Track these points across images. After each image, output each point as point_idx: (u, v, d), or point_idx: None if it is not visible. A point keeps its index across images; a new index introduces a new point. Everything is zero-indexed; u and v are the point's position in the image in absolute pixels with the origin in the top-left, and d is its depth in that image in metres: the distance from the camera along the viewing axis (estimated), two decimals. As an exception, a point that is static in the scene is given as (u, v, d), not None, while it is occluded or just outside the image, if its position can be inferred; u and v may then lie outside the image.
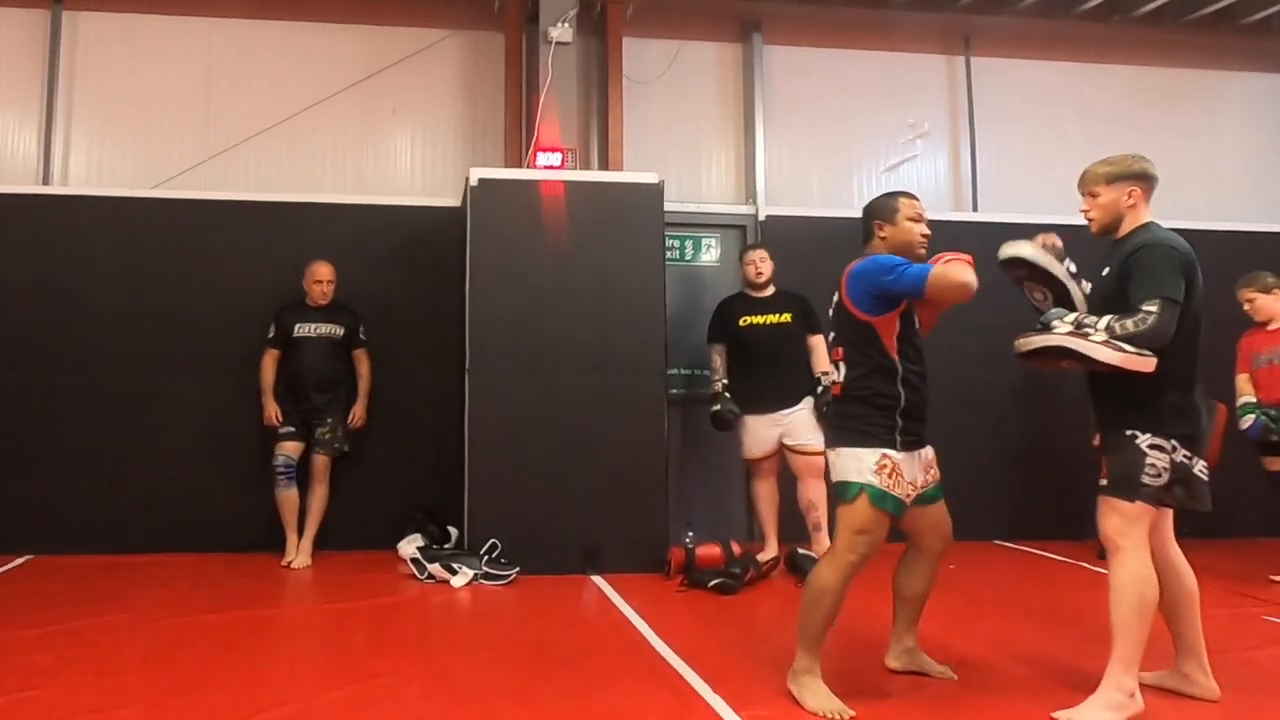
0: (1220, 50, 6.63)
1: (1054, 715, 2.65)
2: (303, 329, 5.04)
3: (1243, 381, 4.99)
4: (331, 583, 4.50)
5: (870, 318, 2.82)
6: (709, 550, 4.55)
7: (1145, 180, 2.87)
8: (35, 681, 2.92)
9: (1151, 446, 2.67)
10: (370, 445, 5.25)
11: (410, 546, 4.77)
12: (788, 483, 5.04)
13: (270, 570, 4.76)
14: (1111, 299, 2.75)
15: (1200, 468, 2.76)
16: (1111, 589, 2.69)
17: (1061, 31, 6.45)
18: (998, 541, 5.41)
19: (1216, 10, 6.34)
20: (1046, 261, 2.88)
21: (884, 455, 2.77)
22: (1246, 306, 4.97)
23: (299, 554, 4.88)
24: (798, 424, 4.85)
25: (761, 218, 5.92)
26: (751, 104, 6.14)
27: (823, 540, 5.00)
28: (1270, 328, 4.94)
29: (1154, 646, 2.72)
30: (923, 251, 2.93)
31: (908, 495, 2.81)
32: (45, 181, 5.52)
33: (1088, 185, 2.90)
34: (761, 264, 5.00)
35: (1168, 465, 2.68)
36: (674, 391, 5.36)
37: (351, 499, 5.19)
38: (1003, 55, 6.46)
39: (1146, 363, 2.60)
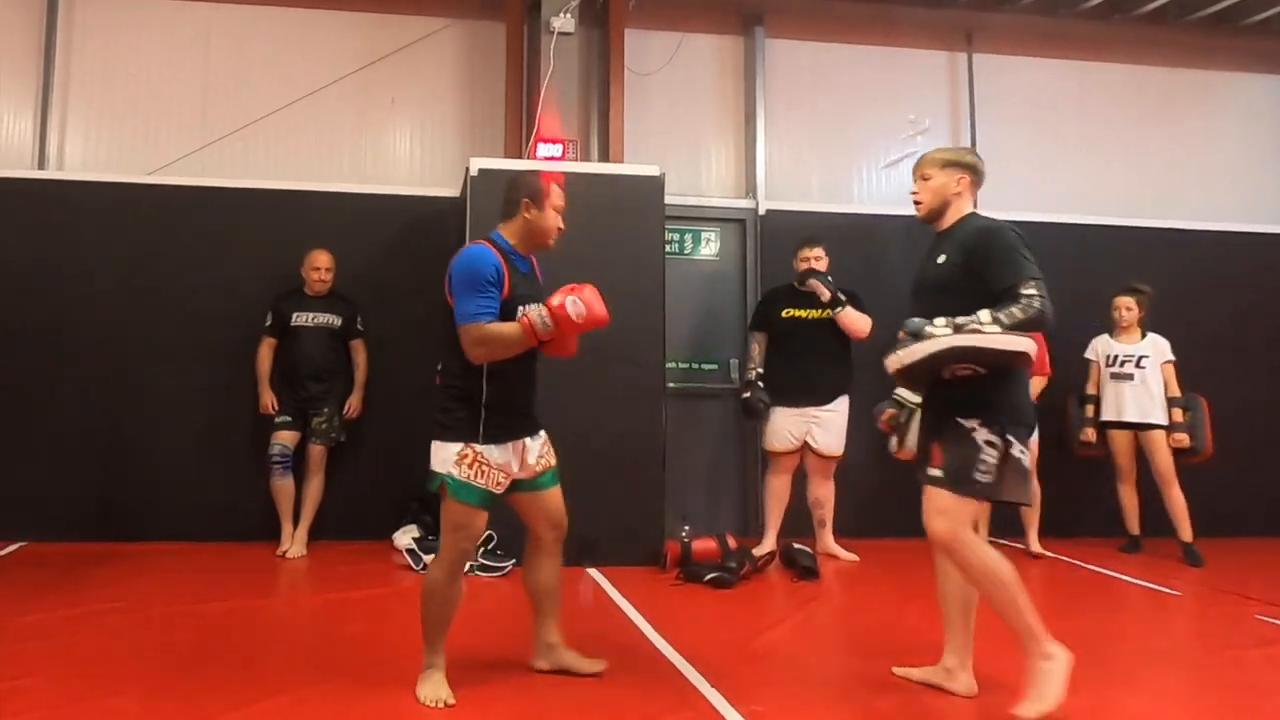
0: (1220, 51, 6.64)
1: (1013, 713, 2.63)
2: (300, 318, 5.02)
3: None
4: (326, 573, 4.50)
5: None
6: (705, 544, 4.55)
7: (975, 173, 2.93)
8: (29, 669, 2.91)
9: (987, 441, 2.67)
10: (366, 435, 5.24)
11: (405, 537, 4.76)
12: (798, 479, 5.06)
13: (265, 560, 4.74)
14: (951, 288, 2.74)
15: (1026, 459, 2.74)
16: (973, 584, 2.73)
17: (1063, 29, 6.45)
18: (993, 539, 5.43)
19: (1217, 11, 6.34)
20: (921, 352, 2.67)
21: (466, 446, 2.71)
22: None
23: (294, 544, 4.87)
24: (826, 426, 4.87)
25: (761, 212, 5.91)
26: (753, 98, 6.13)
27: (826, 537, 5.04)
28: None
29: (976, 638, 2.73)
30: (552, 243, 2.93)
31: (498, 485, 2.77)
32: (41, 166, 5.48)
33: (921, 169, 2.94)
34: (816, 263, 4.98)
35: (999, 459, 2.68)
36: (672, 385, 5.36)
37: (347, 489, 5.18)
38: (1004, 52, 6.45)
39: (1030, 344, 2.62)
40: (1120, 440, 5.33)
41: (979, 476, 2.67)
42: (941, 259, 2.83)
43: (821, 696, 2.80)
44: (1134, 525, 5.35)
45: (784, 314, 4.98)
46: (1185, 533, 5.12)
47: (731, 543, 4.59)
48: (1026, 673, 2.64)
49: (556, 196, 2.90)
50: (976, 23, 6.40)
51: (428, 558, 4.48)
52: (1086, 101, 6.52)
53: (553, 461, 2.99)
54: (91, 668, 2.96)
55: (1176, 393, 5.25)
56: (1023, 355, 2.63)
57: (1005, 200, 6.29)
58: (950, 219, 2.89)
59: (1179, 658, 3.37)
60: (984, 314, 2.63)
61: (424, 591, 2.82)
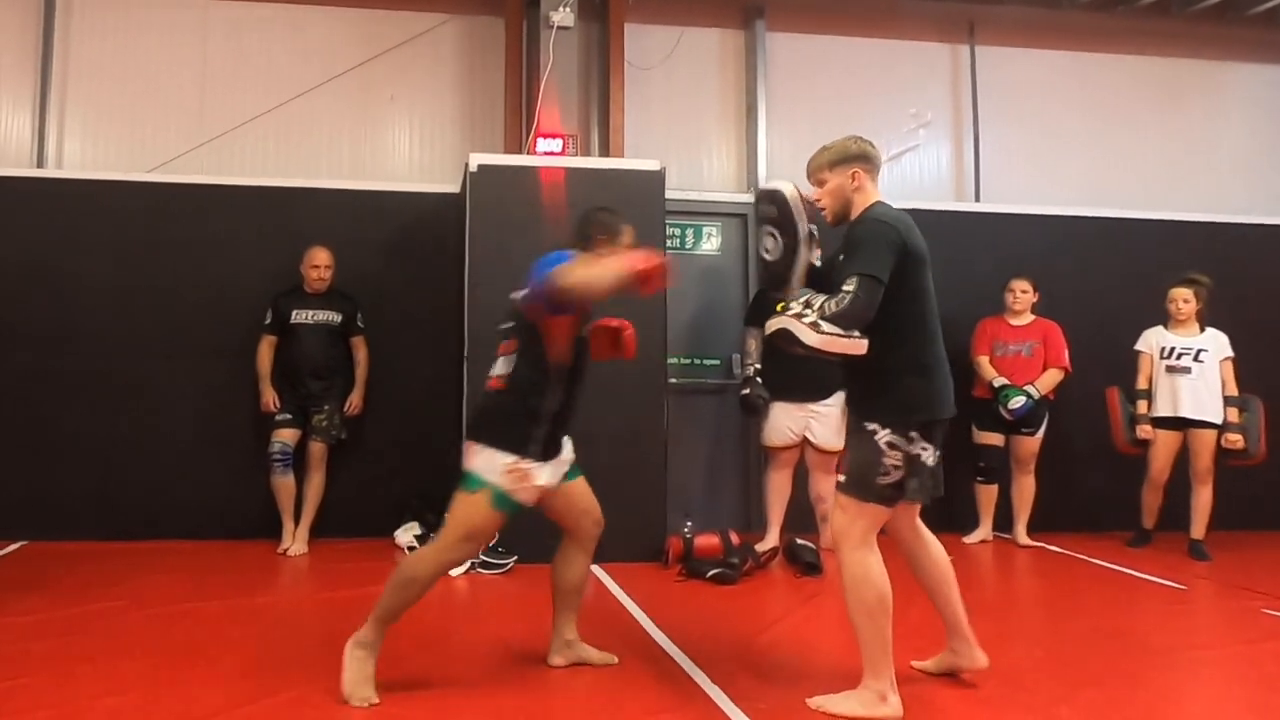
0: (1225, 41, 6.60)
1: (808, 700, 2.65)
2: (300, 315, 5.00)
3: (985, 364, 5.25)
4: (328, 570, 4.49)
5: (545, 319, 2.76)
6: (707, 540, 4.54)
7: (866, 161, 2.79)
8: (29, 668, 2.90)
9: (889, 444, 2.61)
10: (367, 433, 5.22)
11: (407, 534, 4.75)
12: (799, 474, 5.05)
13: (267, 558, 4.74)
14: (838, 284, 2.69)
15: (935, 457, 2.66)
16: (846, 590, 2.67)
17: (1065, 21, 6.41)
18: (1000, 535, 5.40)
19: (1221, 1, 6.30)
20: (796, 211, 2.74)
21: (516, 462, 2.73)
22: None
23: (295, 541, 4.86)
24: (825, 421, 4.86)
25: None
26: (754, 91, 6.10)
27: (829, 532, 5.01)
28: (1018, 322, 5.26)
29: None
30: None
31: (531, 499, 2.78)
32: (39, 165, 5.47)
33: (813, 174, 2.84)
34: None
35: (901, 461, 2.61)
36: (673, 380, 5.34)
37: (348, 486, 5.16)
38: (1006, 44, 6.42)
39: (854, 345, 2.53)
40: (1164, 440, 5.12)
41: (879, 480, 2.62)
42: (842, 257, 2.75)
43: (825, 693, 2.78)
44: (1150, 522, 5.27)
45: (779, 308, 4.95)
46: (1198, 530, 5.07)
47: (734, 539, 4.57)
48: (854, 688, 2.62)
49: (628, 237, 2.95)
50: (978, 15, 6.36)
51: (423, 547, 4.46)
52: (1089, 93, 6.49)
53: (572, 455, 3.00)
54: (92, 666, 2.95)
55: (1234, 391, 5.07)
56: (835, 352, 2.54)
57: (1007, 193, 6.28)
58: (855, 213, 2.78)
59: (1185, 652, 3.34)
60: (818, 300, 2.59)
61: (404, 576, 2.78)
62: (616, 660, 3.03)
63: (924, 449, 2.64)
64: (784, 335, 2.61)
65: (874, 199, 2.78)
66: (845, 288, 2.56)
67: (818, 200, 2.82)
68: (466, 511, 2.75)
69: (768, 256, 2.86)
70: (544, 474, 2.79)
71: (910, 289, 2.64)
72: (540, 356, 2.77)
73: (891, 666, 2.62)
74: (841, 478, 2.72)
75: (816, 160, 2.83)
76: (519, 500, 2.76)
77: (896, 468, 2.62)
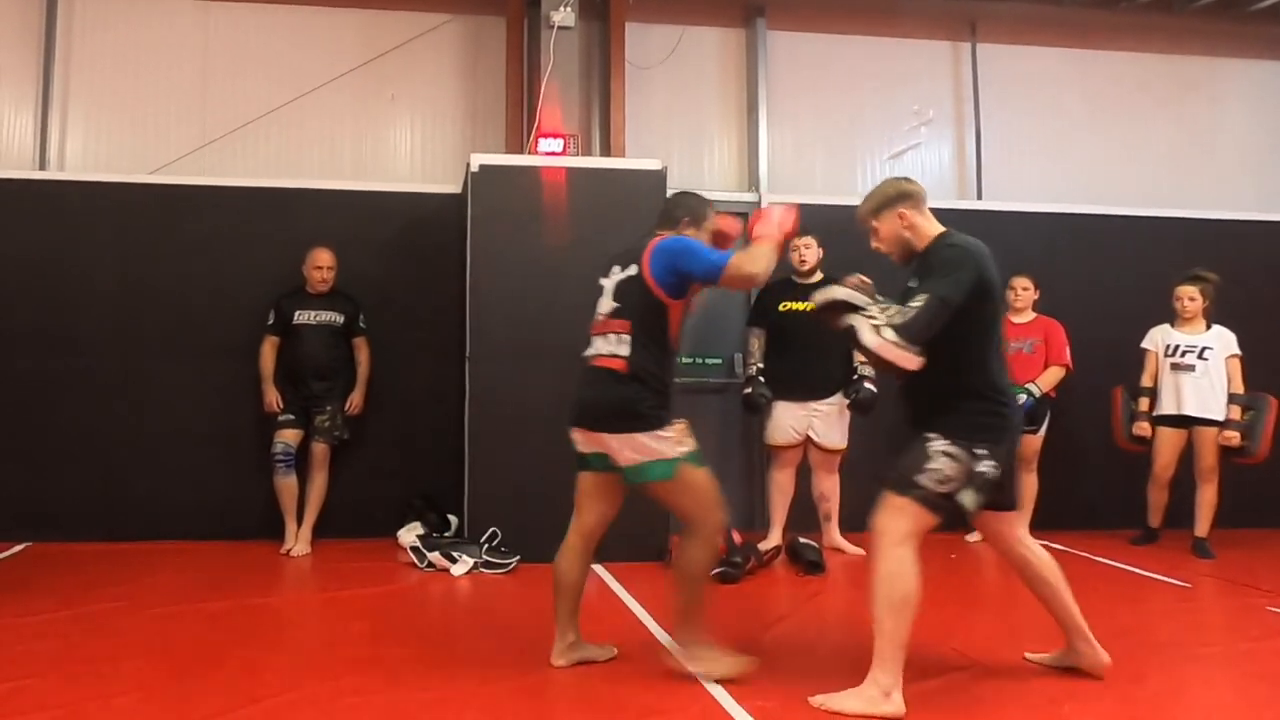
0: (1227, 37, 6.58)
1: (810, 699, 2.65)
2: (302, 316, 5.01)
3: None
4: (331, 571, 4.49)
5: (671, 301, 2.86)
6: (710, 539, 4.53)
7: (908, 199, 2.88)
8: (32, 669, 2.91)
9: (945, 452, 2.64)
10: (370, 433, 5.22)
11: (410, 535, 4.75)
12: (802, 473, 5.04)
13: (269, 558, 4.74)
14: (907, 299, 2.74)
15: (997, 470, 2.68)
16: (873, 584, 2.69)
17: (1067, 18, 6.39)
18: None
19: (1224, -3, 6.29)
20: (861, 299, 2.78)
21: (673, 425, 2.85)
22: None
23: (298, 542, 4.86)
24: (827, 420, 4.86)
25: (764, 204, 5.87)
26: (755, 90, 6.09)
27: (832, 531, 5.03)
28: (1020, 320, 5.19)
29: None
30: None
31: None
32: (42, 166, 5.48)
33: (865, 223, 2.94)
34: (806, 251, 4.98)
35: (957, 473, 2.64)
36: (675, 380, 5.32)
37: (351, 487, 5.17)
38: (1008, 41, 6.40)
39: (905, 358, 2.57)
40: (1168, 437, 5.12)
41: (922, 481, 2.65)
42: (913, 283, 2.80)
43: (828, 691, 2.78)
44: (1156, 520, 5.26)
45: (781, 308, 4.96)
46: (1202, 529, 5.06)
47: (737, 538, 4.56)
48: (858, 685, 2.62)
49: (714, 222, 3.04)
50: (980, 12, 6.35)
51: (432, 555, 4.47)
52: (1092, 90, 6.47)
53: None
54: (95, 667, 2.96)
55: (1240, 389, 5.04)
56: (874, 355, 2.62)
57: (1010, 190, 6.27)
58: (922, 245, 2.85)
59: (1189, 650, 3.33)
60: (889, 307, 2.66)
61: (692, 575, 2.87)
62: (615, 651, 3.06)
63: (988, 466, 2.66)
64: (838, 308, 2.71)
65: (935, 230, 2.87)
66: (914, 303, 2.62)
67: (876, 247, 2.94)
68: (689, 492, 2.84)
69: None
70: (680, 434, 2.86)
71: (979, 317, 2.70)
72: (664, 335, 2.87)
73: (901, 665, 2.61)
74: (890, 472, 2.75)
75: (861, 210, 2.94)
76: (692, 451, 2.82)
77: (950, 478, 2.64)
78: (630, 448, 2.82)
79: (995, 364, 2.75)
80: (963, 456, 2.64)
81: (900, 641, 2.61)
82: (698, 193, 3.17)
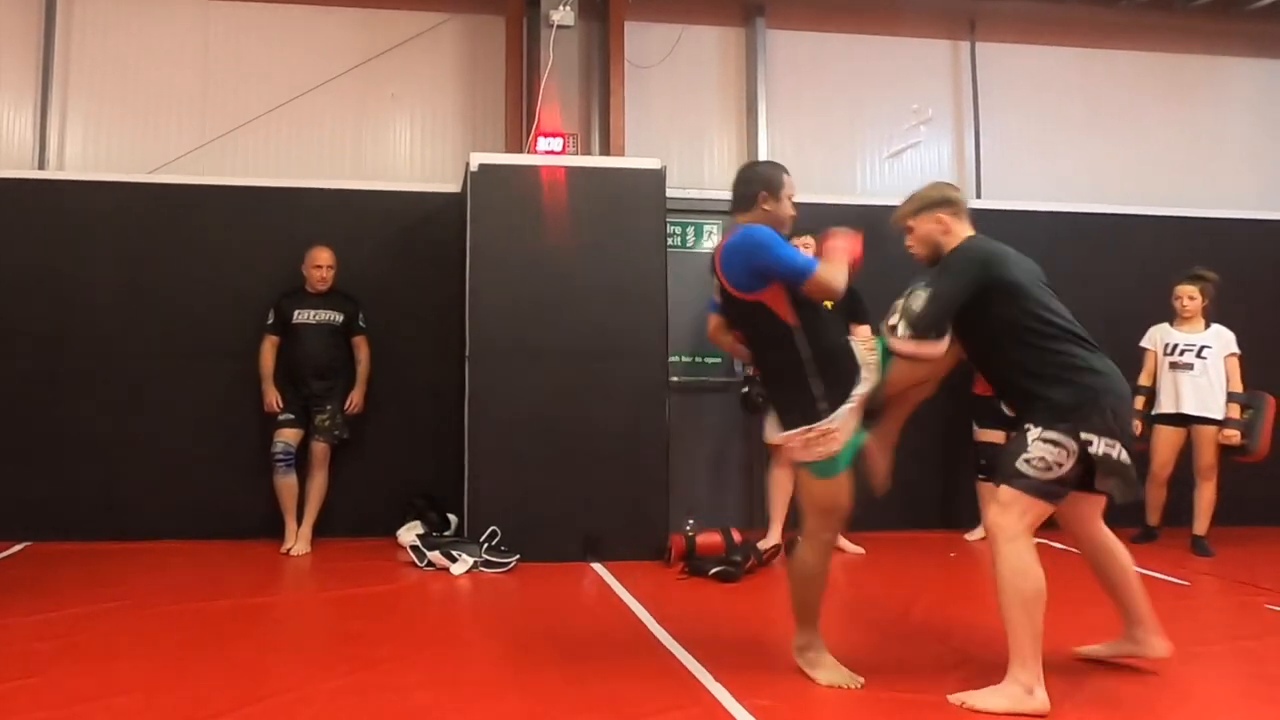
0: (1227, 36, 6.58)
1: (949, 696, 2.66)
2: (302, 315, 5.01)
3: None
4: (331, 570, 4.49)
5: (756, 295, 2.78)
6: (710, 538, 4.54)
7: (949, 205, 2.92)
8: (34, 669, 2.91)
9: (1047, 440, 2.65)
10: (370, 432, 5.23)
11: (410, 534, 4.75)
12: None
13: (269, 557, 4.74)
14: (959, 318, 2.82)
15: (1120, 449, 2.69)
16: (997, 579, 2.68)
17: (1067, 16, 6.39)
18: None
19: (1223, -5, 6.29)
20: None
21: (808, 429, 2.74)
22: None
23: (298, 541, 4.87)
24: None
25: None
26: (754, 89, 6.09)
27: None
28: None
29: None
30: (787, 232, 2.93)
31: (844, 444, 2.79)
32: (41, 166, 5.48)
33: (902, 222, 2.97)
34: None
35: (1066, 458, 2.64)
36: (675, 378, 5.34)
37: (351, 486, 5.17)
38: (1008, 40, 6.40)
39: (925, 348, 2.71)
40: (1166, 436, 5.13)
41: (1027, 470, 2.65)
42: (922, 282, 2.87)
43: (826, 690, 2.78)
44: (1154, 518, 5.28)
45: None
46: (1201, 527, 5.07)
47: (736, 536, 4.58)
48: (1000, 683, 2.61)
49: (789, 185, 2.94)
50: (979, 10, 6.35)
51: (432, 554, 4.47)
52: (1091, 88, 6.47)
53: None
54: (96, 666, 2.96)
55: (1238, 388, 5.06)
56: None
57: (1009, 189, 6.27)
58: (947, 250, 2.90)
59: (1188, 648, 3.33)
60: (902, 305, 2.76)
61: (800, 577, 2.87)
62: (862, 682, 2.84)
63: (1105, 446, 2.66)
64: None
65: (964, 237, 2.90)
66: (918, 298, 2.74)
67: (910, 247, 2.96)
68: (808, 497, 2.86)
69: None
70: (845, 424, 2.76)
71: (1011, 313, 2.73)
72: (778, 325, 2.78)
73: (1040, 660, 2.60)
74: (995, 475, 2.76)
75: (901, 210, 2.97)
76: (836, 454, 2.76)
77: (1059, 464, 2.65)
78: (786, 445, 2.87)
79: (1065, 346, 2.73)
80: (1066, 442, 2.65)
81: (1035, 637, 2.61)
82: (769, 160, 3.06)
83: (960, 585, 4.36)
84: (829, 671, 2.81)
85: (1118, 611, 2.99)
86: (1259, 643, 3.39)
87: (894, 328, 2.76)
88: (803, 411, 2.75)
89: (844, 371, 2.79)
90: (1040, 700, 2.58)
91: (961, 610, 3.76)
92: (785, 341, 2.77)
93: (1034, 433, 2.68)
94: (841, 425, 2.74)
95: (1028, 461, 2.66)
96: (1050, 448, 2.66)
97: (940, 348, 2.73)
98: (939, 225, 2.89)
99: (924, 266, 2.96)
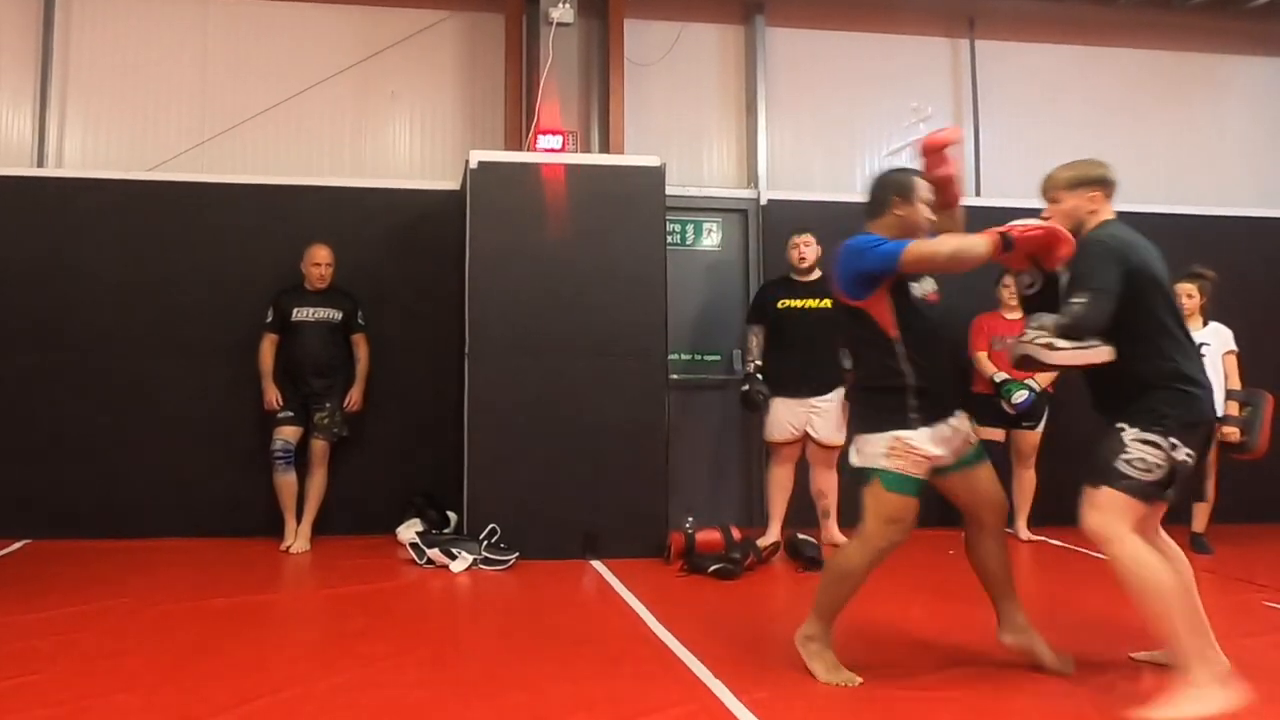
0: (1226, 34, 6.57)
1: (1129, 715, 2.52)
2: (301, 313, 5.01)
3: (984, 359, 5.25)
4: (330, 568, 4.49)
5: (859, 302, 2.80)
6: (709, 535, 4.54)
7: (1106, 185, 2.87)
8: (33, 667, 2.91)
9: (1142, 440, 2.61)
10: (369, 430, 5.23)
11: (409, 531, 4.76)
12: (800, 469, 5.06)
13: (269, 555, 4.75)
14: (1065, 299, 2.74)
15: (1193, 462, 2.65)
16: (1122, 586, 2.61)
17: (1066, 15, 6.39)
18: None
19: (1223, -7, 6.29)
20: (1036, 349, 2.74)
21: (894, 438, 2.73)
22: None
23: (298, 539, 4.87)
24: (826, 416, 4.88)
25: (763, 202, 5.89)
26: (754, 87, 6.09)
27: (830, 527, 5.04)
28: (1014, 316, 5.20)
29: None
30: (924, 236, 2.89)
31: (925, 471, 2.77)
32: (40, 164, 5.48)
33: (1051, 191, 2.87)
34: (805, 248, 5.02)
35: (1163, 460, 2.61)
36: (674, 376, 5.34)
37: (350, 484, 5.17)
38: (1007, 39, 6.40)
39: (1096, 354, 2.60)
40: None
41: (1128, 471, 2.61)
42: (1064, 276, 2.77)
43: (825, 687, 2.79)
44: None
45: (780, 305, 4.98)
46: (1200, 524, 5.08)
47: (735, 534, 4.58)
48: (1178, 688, 2.54)
49: (924, 191, 2.89)
50: (978, 9, 6.35)
51: (432, 551, 4.48)
52: (1091, 87, 6.47)
53: (974, 439, 2.96)
54: (95, 664, 2.96)
55: (1237, 385, 5.06)
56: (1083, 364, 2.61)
57: (1007, 187, 6.26)
58: (1085, 232, 2.80)
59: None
60: (1048, 320, 2.64)
61: (838, 572, 2.86)
62: (1071, 670, 2.89)
63: (1185, 455, 2.63)
64: (1026, 360, 2.71)
65: (1104, 220, 2.82)
66: (1074, 301, 2.63)
67: (1045, 217, 2.86)
68: (875, 503, 2.78)
69: (1030, 291, 2.94)
70: (929, 444, 2.75)
71: (1142, 307, 2.66)
72: (878, 335, 2.79)
73: (1204, 650, 2.54)
74: (1091, 478, 2.70)
75: (1057, 178, 2.87)
76: (916, 477, 2.74)
77: (1159, 465, 2.61)
78: (856, 446, 2.84)
79: (1175, 352, 2.68)
80: (1163, 444, 2.61)
81: (1191, 628, 2.55)
82: (902, 167, 3.05)
83: (959, 583, 4.35)
84: (829, 670, 2.80)
85: None
86: (1258, 640, 3.39)
87: (1047, 345, 2.61)
88: (891, 416, 2.74)
89: (941, 395, 2.80)
90: (1226, 691, 2.49)
91: (960, 608, 3.76)
92: (887, 351, 2.78)
93: (1131, 433, 2.62)
94: (927, 450, 2.74)
95: (1129, 463, 2.61)
96: (1150, 449, 2.60)
97: (1110, 351, 2.60)
98: (1090, 204, 2.80)
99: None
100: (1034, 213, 6.59)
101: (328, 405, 4.98)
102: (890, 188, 2.90)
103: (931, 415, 2.78)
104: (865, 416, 2.86)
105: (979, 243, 2.73)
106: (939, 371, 2.85)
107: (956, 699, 2.74)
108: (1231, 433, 5.05)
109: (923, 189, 2.88)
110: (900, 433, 2.74)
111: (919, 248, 2.73)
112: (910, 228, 2.85)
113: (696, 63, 6.12)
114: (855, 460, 2.85)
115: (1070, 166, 2.88)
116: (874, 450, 2.76)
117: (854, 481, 2.88)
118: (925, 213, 2.88)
